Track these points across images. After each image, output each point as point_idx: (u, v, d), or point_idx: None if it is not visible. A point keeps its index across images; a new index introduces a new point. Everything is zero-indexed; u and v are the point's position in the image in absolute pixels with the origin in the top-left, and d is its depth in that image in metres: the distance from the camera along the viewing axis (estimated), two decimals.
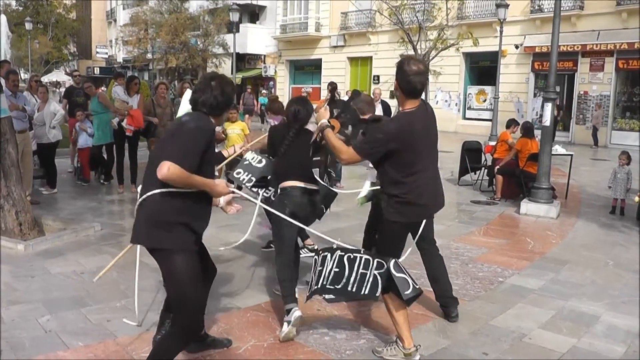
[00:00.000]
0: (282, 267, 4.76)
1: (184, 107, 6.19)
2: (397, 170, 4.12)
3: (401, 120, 4.19)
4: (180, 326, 3.56)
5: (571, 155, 11.70)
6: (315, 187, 4.93)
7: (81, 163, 11.27)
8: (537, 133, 10.22)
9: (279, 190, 4.92)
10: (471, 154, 11.98)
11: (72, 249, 6.78)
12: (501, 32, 21.10)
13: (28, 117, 9.29)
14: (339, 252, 4.08)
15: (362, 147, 4.19)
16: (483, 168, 11.92)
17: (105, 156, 11.10)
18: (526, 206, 9.36)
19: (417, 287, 3.90)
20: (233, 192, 3.81)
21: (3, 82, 8.13)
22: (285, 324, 4.49)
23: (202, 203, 3.60)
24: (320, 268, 4.13)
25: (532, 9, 24.65)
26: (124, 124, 10.00)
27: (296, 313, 4.50)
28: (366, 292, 3.94)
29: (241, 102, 26.92)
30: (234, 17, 27.89)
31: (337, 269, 4.05)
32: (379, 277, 3.91)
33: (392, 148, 4.03)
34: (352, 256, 4.04)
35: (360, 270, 3.98)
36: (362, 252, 4.09)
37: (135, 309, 4.70)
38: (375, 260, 3.95)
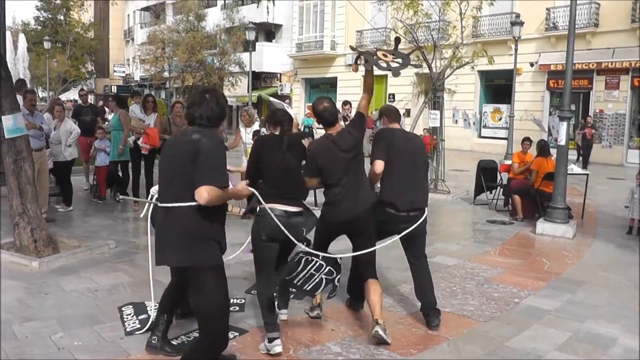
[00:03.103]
0: (263, 288, 4.67)
1: None
2: None
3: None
4: (210, 341, 3.62)
5: (587, 174, 11.60)
6: (298, 209, 4.60)
7: (98, 180, 11.34)
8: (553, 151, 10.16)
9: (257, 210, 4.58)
10: (487, 172, 11.91)
11: (86, 266, 6.80)
12: (516, 50, 21.08)
13: (45, 135, 9.38)
14: (301, 255, 4.52)
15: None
16: (498, 187, 11.84)
17: (120, 174, 11.17)
18: (542, 226, 9.27)
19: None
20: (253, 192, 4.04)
21: (20, 101, 8.22)
22: (264, 348, 4.55)
23: (222, 218, 3.73)
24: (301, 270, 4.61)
25: (547, 27, 24.62)
26: (140, 142, 10.07)
27: (277, 349, 4.49)
28: (308, 288, 4.60)
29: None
30: (250, 35, 28.09)
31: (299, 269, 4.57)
32: (324, 281, 4.55)
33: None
34: (309, 258, 4.52)
35: (311, 271, 4.53)
36: (320, 257, 4.54)
37: (149, 322, 4.72)
38: (327, 268, 4.52)
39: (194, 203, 3.45)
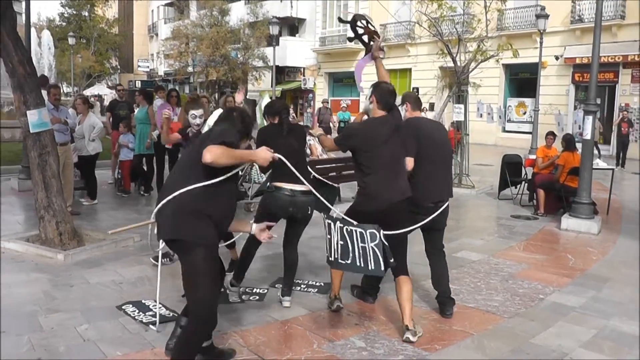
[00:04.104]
0: (250, 249, 5.43)
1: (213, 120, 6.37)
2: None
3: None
4: (197, 319, 3.70)
5: (613, 169, 11.43)
6: (305, 189, 4.96)
7: (122, 174, 11.44)
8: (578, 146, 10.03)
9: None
10: (511, 167, 11.80)
11: (111, 259, 6.86)
12: (541, 43, 20.85)
13: (70, 130, 9.48)
14: (339, 224, 4.49)
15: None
16: (523, 182, 11.72)
17: (145, 168, 11.26)
18: (567, 222, 9.16)
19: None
20: (280, 158, 4.01)
21: (45, 95, 8.31)
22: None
23: (227, 199, 3.77)
24: (329, 237, 4.60)
25: (572, 20, 24.33)
26: None
27: (285, 303, 5.31)
28: (373, 267, 4.38)
29: (315, 118, 24.67)
30: (274, 30, 28.12)
31: (342, 242, 4.48)
32: (376, 250, 4.33)
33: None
34: (349, 229, 4.45)
35: (360, 244, 4.40)
36: (355, 224, 4.43)
37: (157, 319, 4.78)
38: (368, 232, 4.35)
39: (192, 186, 3.57)
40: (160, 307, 4.97)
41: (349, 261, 4.47)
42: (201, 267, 3.62)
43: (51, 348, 4.40)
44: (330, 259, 4.65)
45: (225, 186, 3.70)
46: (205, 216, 3.62)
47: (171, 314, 5.08)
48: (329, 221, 4.58)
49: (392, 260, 4.44)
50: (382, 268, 4.37)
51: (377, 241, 4.34)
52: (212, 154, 3.44)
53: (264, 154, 3.83)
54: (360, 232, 4.40)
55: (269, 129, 5.39)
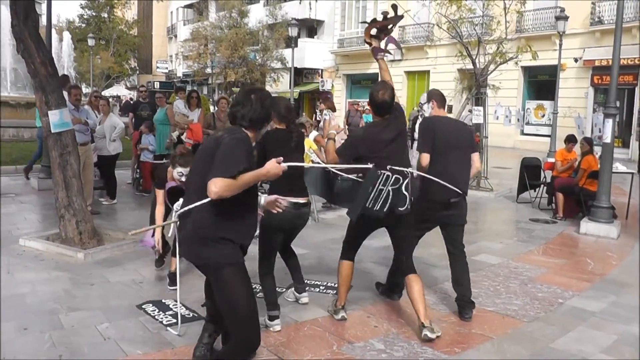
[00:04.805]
0: (267, 270, 5.01)
1: None
2: None
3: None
4: (239, 338, 3.53)
5: (632, 173, 11.33)
6: (305, 201, 5.00)
7: (143, 175, 11.51)
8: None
9: None
10: (530, 170, 11.72)
11: (131, 258, 6.90)
12: (560, 45, 20.71)
13: (90, 130, 9.57)
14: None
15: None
16: (542, 185, 11.64)
17: None
18: (586, 226, 9.09)
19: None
20: (290, 166, 3.65)
21: (66, 96, 8.39)
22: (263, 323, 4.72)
23: (246, 215, 3.56)
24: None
25: (592, 21, 24.10)
26: (183, 137, 10.19)
27: (276, 327, 4.83)
28: (377, 207, 4.59)
29: (345, 120, 22.67)
30: (293, 32, 28.16)
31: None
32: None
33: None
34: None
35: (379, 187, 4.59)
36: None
37: (178, 319, 4.80)
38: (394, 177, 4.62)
39: (205, 200, 3.33)
40: (180, 307, 4.99)
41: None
42: (231, 284, 3.45)
43: (72, 346, 4.45)
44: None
45: (247, 202, 3.54)
46: (227, 240, 3.45)
47: (191, 314, 5.10)
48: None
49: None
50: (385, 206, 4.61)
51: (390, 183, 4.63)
52: (219, 189, 3.19)
53: (275, 169, 3.47)
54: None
55: (274, 135, 4.98)
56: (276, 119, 4.91)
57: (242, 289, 3.48)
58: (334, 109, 12.21)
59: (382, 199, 4.59)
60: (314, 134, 9.90)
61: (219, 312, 3.76)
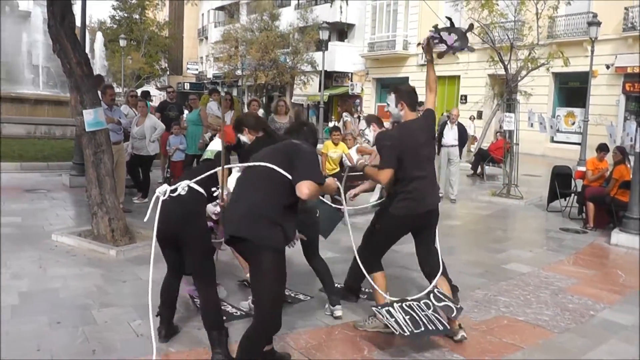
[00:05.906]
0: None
1: (215, 145, 6.27)
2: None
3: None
4: (259, 320, 3.75)
5: None
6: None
7: (174, 175, 11.60)
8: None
9: None
10: (561, 179, 11.59)
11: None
12: (592, 51, 20.44)
13: (123, 129, 9.69)
14: (396, 305, 4.66)
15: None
16: (573, 194, 11.49)
17: None
18: (617, 237, 8.95)
19: (458, 306, 4.77)
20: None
21: (101, 96, 8.50)
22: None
23: (294, 211, 3.89)
24: (392, 319, 4.54)
25: (625, 27, 23.72)
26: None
27: (337, 312, 5.21)
28: (441, 328, 4.61)
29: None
30: (324, 35, 28.14)
31: (407, 316, 4.57)
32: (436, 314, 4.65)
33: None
34: (407, 304, 4.67)
35: (423, 313, 4.64)
36: (409, 298, 4.75)
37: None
38: (422, 302, 4.70)
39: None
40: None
41: (422, 329, 4.53)
42: (273, 268, 3.68)
43: (105, 341, 4.51)
44: (406, 334, 4.48)
45: (297, 205, 3.89)
46: (277, 224, 3.69)
47: (238, 312, 5.27)
48: (384, 309, 4.62)
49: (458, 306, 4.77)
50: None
51: (431, 308, 4.68)
52: (310, 192, 3.63)
53: (334, 185, 4.13)
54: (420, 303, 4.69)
55: (264, 143, 4.71)
56: (252, 130, 5.55)
57: (274, 274, 3.71)
58: (351, 112, 12.32)
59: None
60: (354, 148, 9.80)
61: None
